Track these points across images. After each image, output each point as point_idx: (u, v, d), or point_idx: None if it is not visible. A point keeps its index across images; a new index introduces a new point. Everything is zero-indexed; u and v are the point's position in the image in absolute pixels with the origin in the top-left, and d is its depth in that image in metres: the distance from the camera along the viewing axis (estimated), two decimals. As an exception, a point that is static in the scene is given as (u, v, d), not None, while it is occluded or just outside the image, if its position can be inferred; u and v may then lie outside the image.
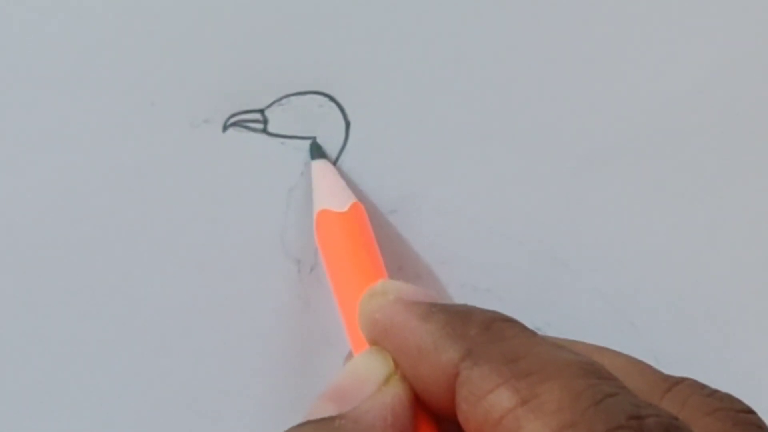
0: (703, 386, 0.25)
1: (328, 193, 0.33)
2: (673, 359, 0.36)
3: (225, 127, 0.34)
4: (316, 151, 0.34)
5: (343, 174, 0.35)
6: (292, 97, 0.34)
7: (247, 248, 0.34)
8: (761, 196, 0.36)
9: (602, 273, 0.36)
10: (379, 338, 0.27)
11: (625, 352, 0.36)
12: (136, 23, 0.33)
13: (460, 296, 0.35)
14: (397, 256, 0.35)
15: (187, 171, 0.34)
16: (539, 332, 0.35)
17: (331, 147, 0.35)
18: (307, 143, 0.34)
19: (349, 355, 0.31)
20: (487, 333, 0.25)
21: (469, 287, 0.35)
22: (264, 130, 0.34)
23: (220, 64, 0.33)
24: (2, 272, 0.34)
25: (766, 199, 0.36)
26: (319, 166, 0.34)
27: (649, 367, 0.26)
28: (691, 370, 0.36)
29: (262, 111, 0.34)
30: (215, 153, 0.34)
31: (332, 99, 0.34)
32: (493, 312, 0.26)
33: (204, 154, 0.34)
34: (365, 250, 0.32)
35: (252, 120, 0.34)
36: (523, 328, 0.26)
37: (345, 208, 0.33)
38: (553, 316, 0.36)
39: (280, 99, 0.34)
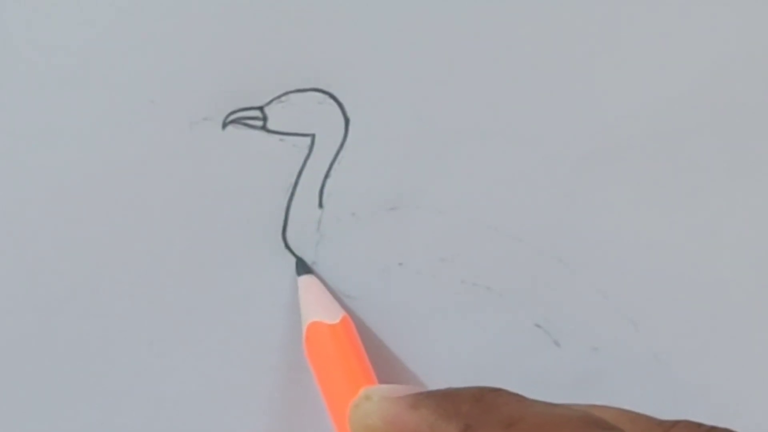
0: (700, 425, 0.25)
1: (318, 306, 0.34)
2: (673, 358, 0.36)
3: (224, 125, 0.34)
4: (302, 268, 0.35)
5: (342, 172, 0.35)
6: (292, 95, 0.34)
7: (248, 245, 0.35)
8: (761, 195, 0.36)
9: (602, 271, 0.36)
10: None
11: (625, 350, 0.36)
12: (136, 21, 0.33)
13: (460, 293, 0.35)
14: (397, 253, 0.35)
15: (187, 168, 0.34)
16: (540, 329, 0.36)
17: (330, 144, 0.35)
18: (307, 140, 0.34)
19: None
20: (480, 405, 0.25)
21: (469, 284, 0.35)
22: (263, 128, 0.34)
23: (220, 61, 0.33)
24: (1, 271, 0.34)
25: (766, 199, 0.36)
26: (307, 281, 0.34)
27: (641, 414, 0.26)
28: (691, 368, 0.36)
29: (261, 108, 0.34)
30: (215, 150, 0.34)
31: (331, 96, 0.34)
32: (479, 386, 0.26)
33: (203, 152, 0.34)
34: (357, 361, 0.33)
35: (251, 117, 0.34)
36: (514, 394, 0.26)
37: (336, 320, 0.33)
38: (553, 313, 0.36)
39: (280, 96, 0.34)
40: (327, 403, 0.32)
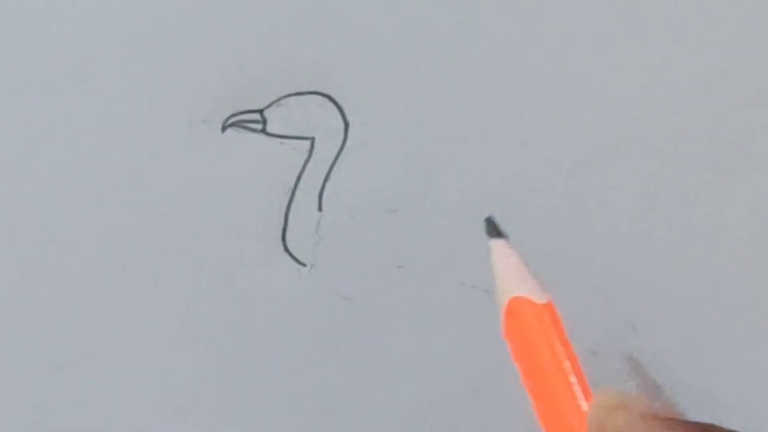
0: None
1: (522, 279, 0.30)
2: (673, 360, 0.36)
3: (224, 128, 0.34)
4: (493, 229, 0.31)
5: (342, 174, 0.35)
6: (291, 98, 0.34)
7: (247, 248, 0.35)
8: (761, 196, 0.35)
9: (602, 274, 0.36)
10: None
11: (625, 352, 0.36)
12: (136, 24, 0.33)
13: (458, 295, 0.35)
14: (396, 255, 0.35)
15: (186, 171, 0.34)
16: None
17: (330, 147, 0.35)
18: (306, 143, 0.34)
19: None
20: None
21: (468, 286, 0.35)
22: (263, 131, 0.34)
23: (219, 64, 0.33)
24: (1, 272, 0.34)
25: (766, 199, 0.35)
26: (501, 247, 0.31)
27: None
28: (690, 371, 0.36)
29: (260, 111, 0.34)
30: (214, 153, 0.34)
31: (331, 99, 0.34)
32: (732, 430, 0.26)
33: (203, 155, 0.34)
34: (568, 348, 0.29)
35: (251, 120, 0.34)
36: None
37: (545, 300, 0.30)
38: (552, 316, 0.36)
39: (279, 99, 0.34)
40: (532, 395, 0.29)
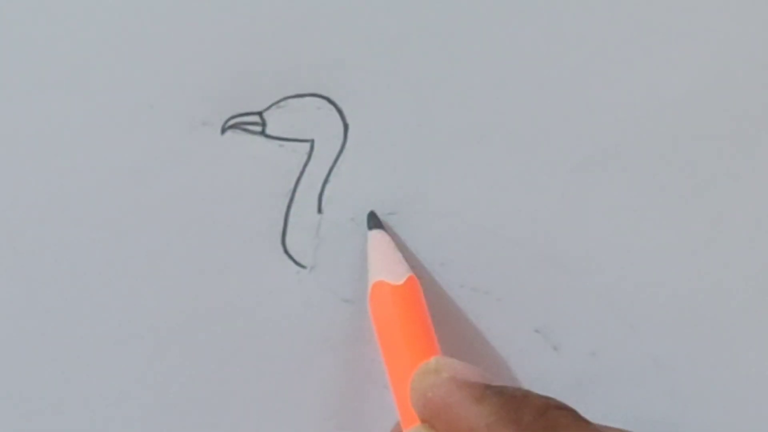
0: None
1: (385, 264, 0.33)
2: (672, 361, 0.36)
3: (223, 130, 0.34)
4: (373, 221, 0.34)
5: (342, 177, 0.35)
6: (291, 100, 0.34)
7: (247, 250, 0.35)
8: (760, 196, 0.36)
9: (601, 274, 0.36)
10: (430, 416, 0.27)
11: (624, 354, 0.36)
12: (135, 25, 0.33)
13: (459, 298, 0.35)
14: (396, 258, 0.35)
15: (186, 173, 0.34)
16: (538, 334, 0.36)
17: (329, 149, 0.35)
18: (306, 145, 0.34)
19: (397, 427, 0.31)
20: (542, 420, 0.25)
21: (468, 289, 0.35)
22: (262, 133, 0.34)
23: (219, 66, 0.33)
24: (1, 273, 0.34)
25: (765, 200, 0.36)
26: (376, 236, 0.34)
27: None
28: (689, 373, 0.36)
29: (260, 113, 0.34)
30: (214, 155, 0.34)
31: (330, 101, 0.34)
32: (548, 398, 0.26)
33: (202, 157, 0.34)
34: (419, 323, 0.32)
35: (250, 122, 0.34)
36: (577, 417, 0.26)
37: (401, 281, 0.33)
38: (552, 317, 0.36)
39: (279, 101, 0.34)
40: (387, 366, 0.32)
